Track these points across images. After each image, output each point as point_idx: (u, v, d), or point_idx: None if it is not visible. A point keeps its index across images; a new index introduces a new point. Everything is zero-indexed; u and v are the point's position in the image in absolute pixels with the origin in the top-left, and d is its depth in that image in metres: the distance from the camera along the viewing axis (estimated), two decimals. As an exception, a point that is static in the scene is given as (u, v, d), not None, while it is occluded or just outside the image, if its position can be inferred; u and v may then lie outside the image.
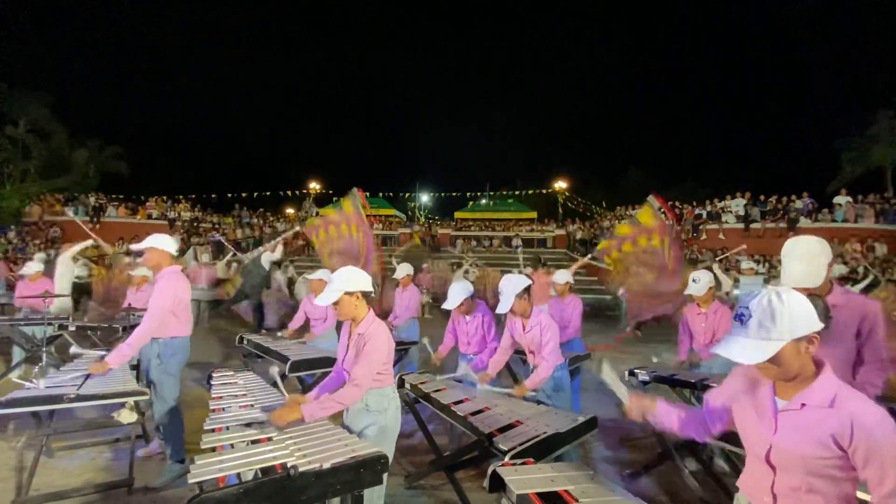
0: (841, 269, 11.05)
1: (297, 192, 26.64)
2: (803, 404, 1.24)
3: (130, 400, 3.26)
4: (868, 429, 1.14)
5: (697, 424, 1.57)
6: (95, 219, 18.65)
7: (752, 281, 7.51)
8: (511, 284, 3.07)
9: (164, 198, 21.33)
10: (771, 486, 1.30)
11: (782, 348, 1.19)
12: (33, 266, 6.07)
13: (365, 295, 2.33)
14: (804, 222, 14.80)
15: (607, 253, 5.51)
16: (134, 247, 3.59)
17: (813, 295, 1.29)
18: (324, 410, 2.12)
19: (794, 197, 15.64)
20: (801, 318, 1.20)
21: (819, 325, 1.21)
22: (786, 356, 1.20)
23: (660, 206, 5.44)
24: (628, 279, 5.33)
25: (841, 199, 15.38)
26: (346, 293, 2.27)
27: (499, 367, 3.45)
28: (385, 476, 1.93)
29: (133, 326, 4.88)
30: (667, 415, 1.63)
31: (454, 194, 28.23)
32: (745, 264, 8.41)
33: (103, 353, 3.60)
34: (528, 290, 3.13)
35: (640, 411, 1.63)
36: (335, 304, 2.28)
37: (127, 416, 3.63)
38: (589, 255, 6.19)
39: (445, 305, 3.62)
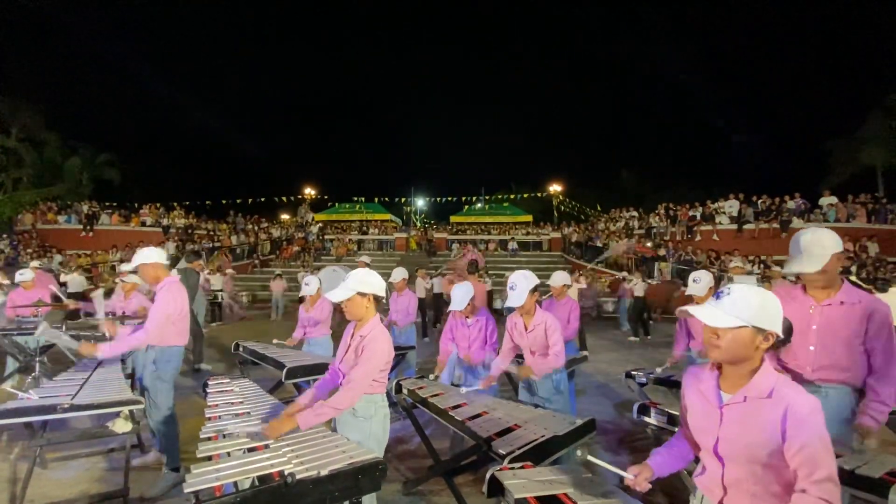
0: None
1: (293, 198, 26.63)
2: (746, 397, 1.30)
3: (125, 409, 3.23)
4: (801, 417, 1.20)
5: (686, 447, 1.57)
6: (89, 227, 18.54)
7: (743, 280, 7.53)
8: (526, 280, 3.07)
9: (158, 205, 21.21)
10: (721, 479, 1.36)
11: (741, 329, 1.28)
12: (28, 274, 6.01)
13: (376, 299, 2.33)
14: (797, 223, 14.92)
15: None
16: (125, 267, 3.58)
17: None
18: (319, 417, 2.09)
19: (786, 197, 15.78)
20: (769, 313, 1.29)
21: (779, 330, 1.30)
22: (740, 338, 1.28)
23: None
24: None
25: (827, 200, 15.54)
26: (359, 293, 2.26)
27: (501, 371, 3.42)
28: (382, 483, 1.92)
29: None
30: (665, 462, 1.59)
31: (450, 199, 28.24)
32: (733, 262, 8.39)
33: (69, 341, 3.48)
34: (536, 288, 3.14)
35: (644, 482, 1.54)
36: (347, 301, 2.27)
37: (122, 426, 3.58)
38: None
39: (452, 307, 3.65)
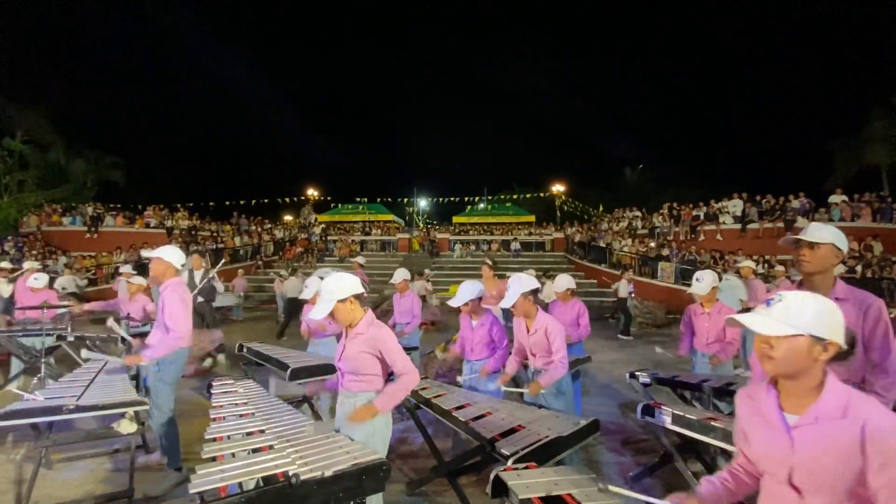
0: (839, 268, 11.09)
1: (296, 199, 26.69)
2: (817, 417, 1.16)
3: (130, 410, 3.25)
4: (882, 435, 1.08)
5: (741, 477, 1.42)
6: (93, 228, 18.63)
7: (730, 283, 7.38)
8: (519, 283, 3.09)
9: (162, 206, 21.30)
10: None
11: (797, 339, 1.15)
12: (42, 279, 6.10)
13: (358, 297, 2.34)
14: (801, 222, 14.84)
15: None
16: (144, 253, 3.64)
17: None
18: (394, 399, 2.27)
19: (791, 197, 15.69)
20: (828, 321, 1.17)
21: (841, 340, 1.17)
22: (796, 349, 1.16)
23: None
24: None
25: (836, 199, 15.43)
26: (339, 301, 2.27)
27: (514, 372, 3.43)
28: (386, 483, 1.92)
29: (132, 336, 4.86)
30: (716, 492, 1.42)
31: (452, 199, 28.26)
32: (744, 263, 8.26)
33: (109, 359, 3.63)
34: (535, 292, 3.14)
35: None
36: (331, 315, 2.28)
37: (126, 427, 3.61)
38: None
39: (451, 303, 3.61)
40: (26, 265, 8.18)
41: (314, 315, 2.30)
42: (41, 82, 28.71)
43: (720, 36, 44.15)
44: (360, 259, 9.64)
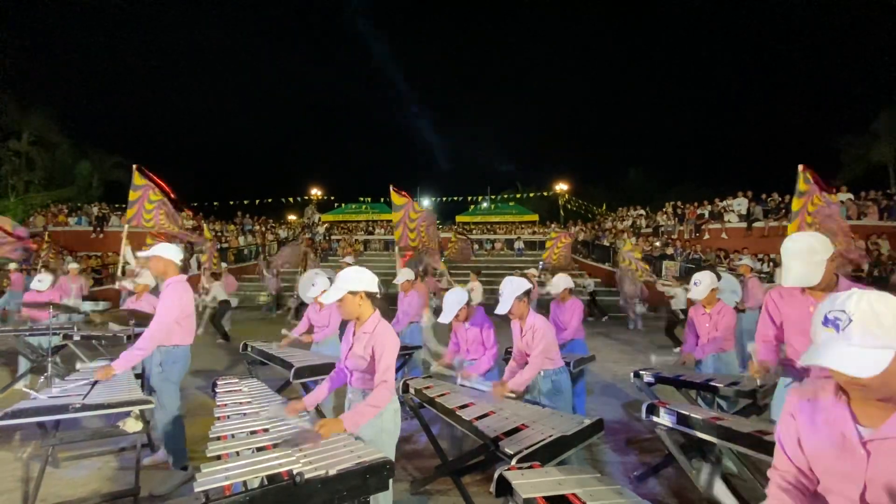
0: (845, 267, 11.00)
1: (300, 199, 26.77)
2: None
3: (136, 409, 3.27)
4: None
5: (800, 494, 1.23)
6: (99, 228, 18.74)
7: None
8: (511, 286, 3.09)
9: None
10: None
11: (891, 359, 0.97)
12: (46, 281, 6.19)
13: (369, 295, 2.34)
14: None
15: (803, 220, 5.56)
16: (140, 254, 3.64)
17: None
18: (363, 417, 2.15)
19: (796, 195, 15.57)
20: None
21: None
22: (892, 371, 0.98)
23: (807, 176, 5.70)
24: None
25: (842, 197, 15.29)
26: (350, 292, 2.28)
27: (514, 376, 3.37)
28: (391, 481, 1.93)
29: (137, 335, 4.89)
30: None
31: (455, 199, 28.27)
32: (742, 261, 8.04)
33: (108, 361, 3.62)
34: (528, 293, 3.14)
35: None
36: (339, 302, 2.29)
37: (132, 425, 3.62)
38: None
39: (441, 319, 3.53)
40: (72, 266, 8.70)
41: (324, 299, 2.32)
42: (48, 83, 28.93)
43: (726, 32, 43.95)
44: (348, 259, 9.75)
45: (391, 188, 6.85)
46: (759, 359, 2.53)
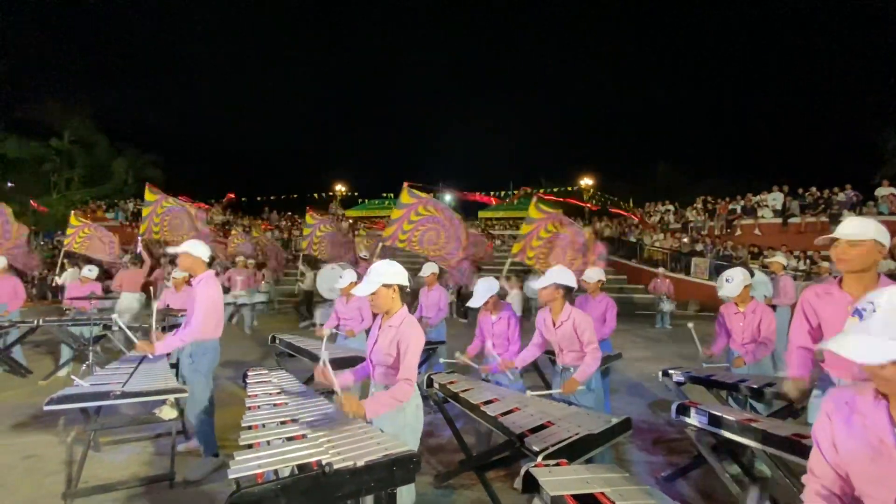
0: (889, 265, 10.48)
1: (324, 195, 27.18)
2: None
3: (171, 397, 3.40)
4: None
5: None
6: (134, 223, 19.50)
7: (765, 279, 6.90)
8: (557, 275, 3.10)
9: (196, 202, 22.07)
10: None
11: None
12: (94, 271, 6.66)
13: (401, 289, 2.35)
14: (847, 216, 14.06)
15: (524, 254, 6.21)
16: (170, 249, 3.78)
17: None
18: (383, 407, 2.15)
19: (836, 189, 14.85)
20: None
21: None
22: None
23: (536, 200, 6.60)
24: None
25: (883, 191, 14.51)
26: (384, 285, 2.28)
27: (525, 363, 3.49)
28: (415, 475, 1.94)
29: (173, 327, 5.08)
30: None
31: (480, 193, 28.10)
32: (774, 257, 7.67)
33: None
34: (569, 290, 3.14)
35: None
36: (372, 295, 2.29)
37: (168, 413, 3.78)
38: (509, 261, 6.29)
39: (470, 303, 3.62)
40: (126, 258, 9.65)
41: (358, 291, 2.32)
42: (87, 85, 30.18)
43: (762, 22, 42.17)
44: (363, 253, 9.80)
45: (405, 185, 6.73)
46: (793, 375, 2.39)
